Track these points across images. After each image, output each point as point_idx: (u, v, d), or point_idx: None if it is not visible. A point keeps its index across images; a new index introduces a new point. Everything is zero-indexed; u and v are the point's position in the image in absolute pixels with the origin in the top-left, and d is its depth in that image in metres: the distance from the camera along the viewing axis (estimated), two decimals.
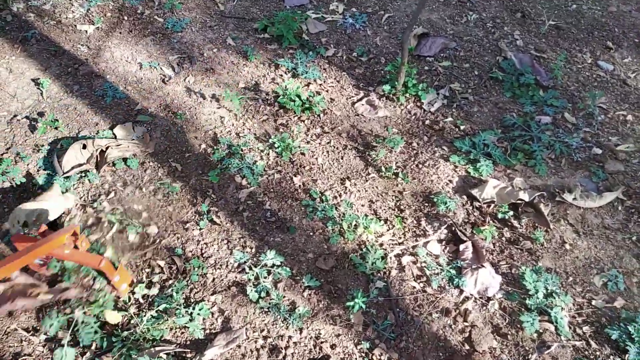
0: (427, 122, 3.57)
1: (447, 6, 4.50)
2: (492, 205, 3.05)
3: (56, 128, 3.15)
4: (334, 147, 3.35)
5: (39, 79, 3.42)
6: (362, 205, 3.03)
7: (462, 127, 3.52)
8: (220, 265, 2.69)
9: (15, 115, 3.21)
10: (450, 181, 3.19)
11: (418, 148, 3.39)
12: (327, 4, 4.44)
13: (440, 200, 3.01)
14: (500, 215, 2.99)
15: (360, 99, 3.70)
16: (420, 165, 3.27)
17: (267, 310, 2.53)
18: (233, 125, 3.38)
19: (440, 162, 3.30)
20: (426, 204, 3.06)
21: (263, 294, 2.56)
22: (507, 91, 3.77)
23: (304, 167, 3.20)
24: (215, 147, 3.22)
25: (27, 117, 3.21)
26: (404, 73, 3.58)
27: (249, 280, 2.63)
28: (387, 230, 2.91)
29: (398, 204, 3.06)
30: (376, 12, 4.42)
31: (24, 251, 2.07)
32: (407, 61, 3.45)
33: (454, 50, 4.10)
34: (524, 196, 3.01)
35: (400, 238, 2.88)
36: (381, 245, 2.83)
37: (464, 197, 3.12)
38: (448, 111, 3.64)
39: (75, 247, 2.22)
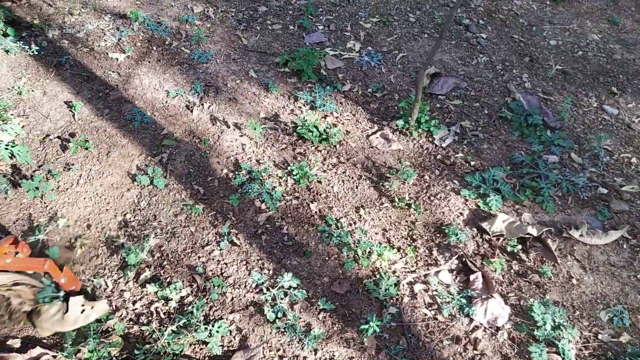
0: (439, 156, 3.72)
1: (458, 48, 4.73)
2: (502, 238, 3.17)
3: (86, 149, 3.31)
4: (349, 176, 3.49)
5: (71, 101, 3.61)
6: (376, 234, 3.14)
7: (472, 163, 3.67)
8: (239, 285, 2.80)
9: (47, 135, 3.38)
10: (461, 214, 3.31)
11: (430, 181, 3.52)
12: (345, 42, 4.67)
13: (451, 232, 3.13)
14: (509, 249, 3.10)
15: (375, 132, 3.86)
16: (432, 198, 3.40)
17: (283, 330, 2.61)
18: (254, 152, 3.54)
19: (452, 195, 3.43)
20: (438, 235, 3.18)
21: (280, 315, 2.65)
22: (516, 130, 3.93)
23: (321, 194, 3.34)
24: (236, 173, 3.37)
25: (59, 137, 3.38)
26: (418, 109, 3.76)
27: (267, 300, 2.72)
28: (400, 258, 3.01)
29: (411, 233, 3.17)
30: (391, 51, 4.65)
31: None
32: (420, 98, 3.63)
33: (464, 89, 4.30)
34: (532, 231, 3.12)
35: (412, 266, 2.99)
36: (394, 272, 2.93)
37: (474, 229, 3.23)
38: (459, 147, 3.80)
39: (16, 254, 2.24)
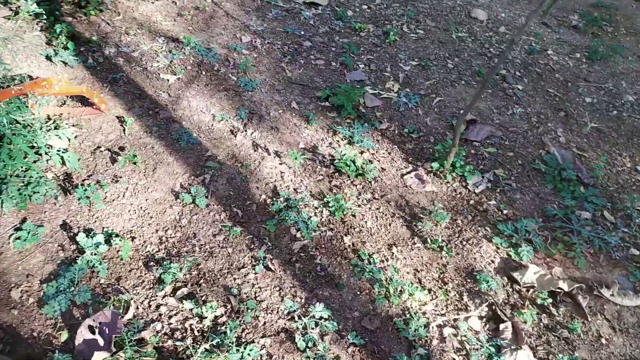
0: (472, 202, 3.77)
1: (494, 97, 4.84)
2: (532, 290, 3.18)
3: (134, 163, 3.44)
4: (383, 213, 3.56)
5: (123, 117, 3.77)
6: (408, 273, 3.19)
7: (504, 211, 3.72)
8: (272, 310, 2.85)
9: (98, 147, 3.53)
10: (492, 261, 3.34)
11: (462, 225, 3.57)
12: (384, 82, 4.82)
13: (482, 279, 3.16)
14: (539, 301, 3.11)
15: (409, 172, 3.94)
16: (464, 242, 3.45)
17: None
18: (292, 181, 3.64)
19: (483, 241, 3.47)
20: (468, 280, 3.21)
21: (310, 344, 2.69)
22: (549, 183, 3.98)
23: (354, 228, 3.40)
24: (274, 199, 3.46)
25: (109, 150, 3.52)
26: (454, 154, 3.84)
27: (297, 328, 2.77)
28: (431, 300, 3.04)
29: (442, 276, 3.21)
30: (428, 94, 4.78)
31: (22, 86, 3.05)
32: (457, 144, 3.72)
33: (499, 138, 4.38)
34: (564, 286, 3.13)
35: (442, 309, 3.01)
36: (424, 313, 2.96)
37: (505, 278, 3.26)
38: (492, 194, 3.85)
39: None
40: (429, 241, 3.38)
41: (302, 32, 5.23)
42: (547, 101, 4.92)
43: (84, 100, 3.75)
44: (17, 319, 2.64)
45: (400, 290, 3.03)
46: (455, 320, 2.96)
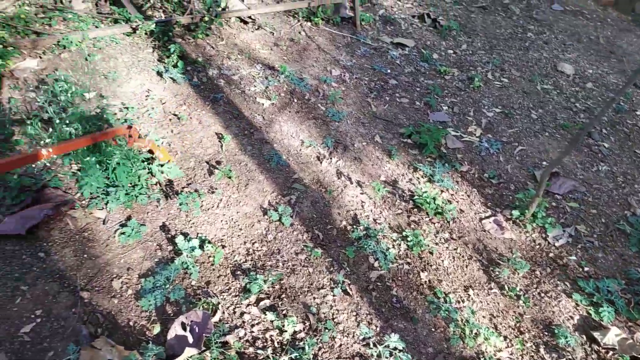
0: (551, 255, 3.73)
1: (579, 152, 4.78)
2: (613, 352, 3.08)
3: (229, 177, 3.68)
4: (460, 254, 3.58)
5: (221, 134, 4.05)
6: (483, 317, 3.18)
7: (585, 269, 3.64)
8: (348, 334, 2.93)
9: (198, 159, 3.81)
10: (571, 317, 3.27)
11: (541, 277, 3.53)
12: (466, 125, 4.89)
13: (560, 334, 3.10)
14: None
15: (488, 217, 3.96)
16: (542, 294, 3.40)
17: None
18: (372, 211, 3.75)
19: (562, 296, 3.41)
20: (546, 333, 3.15)
21: None
22: (634, 246, 3.87)
23: (431, 265, 3.45)
24: (354, 226, 3.58)
25: (207, 162, 3.79)
26: (536, 204, 3.82)
27: (372, 355, 2.82)
28: (506, 347, 3.02)
29: (518, 325, 3.18)
30: (510, 142, 4.79)
31: (89, 135, 3.06)
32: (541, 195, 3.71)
33: (582, 194, 4.31)
34: None
35: (517, 358, 2.98)
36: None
37: (584, 336, 3.18)
38: (572, 250, 3.79)
39: (130, 136, 3.20)
40: (506, 288, 3.37)
41: (389, 71, 5.43)
42: (635, 162, 4.81)
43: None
44: (116, 308, 2.87)
45: (476, 333, 3.02)
46: None
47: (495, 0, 7.51)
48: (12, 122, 3.70)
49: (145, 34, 4.76)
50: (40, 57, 4.39)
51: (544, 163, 4.59)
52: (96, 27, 4.72)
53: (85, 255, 3.04)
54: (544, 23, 7.12)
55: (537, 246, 3.77)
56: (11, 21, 4.44)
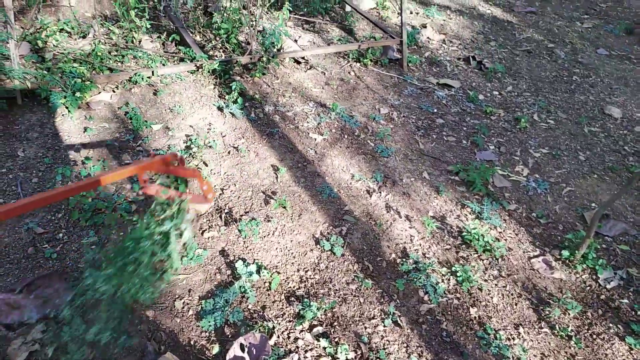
0: (603, 297, 3.70)
1: (629, 195, 4.75)
2: None
3: (284, 207, 3.87)
4: (509, 292, 3.61)
5: (276, 166, 4.27)
6: (534, 356, 3.18)
7: (639, 312, 3.59)
8: None
9: (255, 189, 4.02)
10: None
11: (592, 319, 3.50)
12: (513, 165, 4.95)
13: None
14: None
15: (537, 256, 3.97)
16: (594, 336, 3.37)
17: None
18: (420, 245, 3.84)
19: (615, 339, 3.36)
20: None
21: None
22: None
23: (480, 301, 3.49)
24: (403, 260, 3.67)
25: (263, 192, 4.00)
26: (586, 246, 3.83)
27: None
28: None
29: None
30: (558, 183, 4.82)
31: (136, 163, 2.87)
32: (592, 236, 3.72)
33: (633, 237, 4.27)
34: None
35: None
36: None
37: None
38: (624, 293, 3.74)
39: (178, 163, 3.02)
40: (557, 328, 3.36)
41: (435, 110, 5.59)
42: None
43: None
44: (178, 327, 3.04)
45: None
46: None
47: (540, 44, 7.64)
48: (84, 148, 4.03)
49: (208, 72, 5.11)
50: (114, 91, 4.78)
51: (593, 205, 4.59)
52: (163, 65, 5.11)
53: None
54: (589, 67, 7.18)
55: (588, 287, 3.75)
56: (88, 58, 4.88)
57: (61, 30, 5.22)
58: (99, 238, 3.44)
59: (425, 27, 7.34)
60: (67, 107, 4.34)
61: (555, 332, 3.34)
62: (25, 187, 3.71)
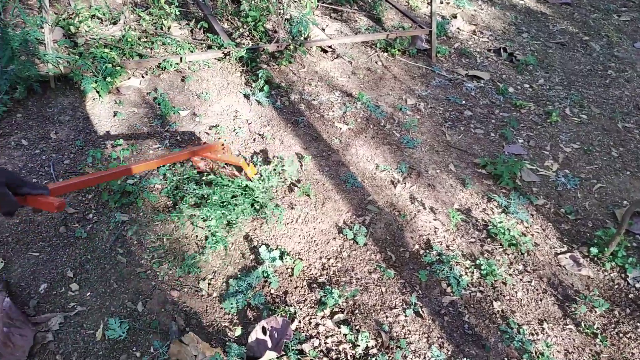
0: (631, 295, 3.60)
1: None
2: None
3: (307, 195, 3.88)
4: (534, 287, 3.55)
5: (301, 154, 4.28)
6: (558, 352, 3.13)
7: None
8: (419, 354, 2.98)
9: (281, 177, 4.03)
10: None
11: (619, 317, 3.42)
12: (542, 159, 4.85)
13: None
14: None
15: (564, 253, 3.89)
16: (620, 335, 3.29)
17: None
18: (444, 237, 3.80)
19: None
20: None
21: None
22: None
23: (504, 295, 3.44)
24: (426, 251, 3.64)
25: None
26: (616, 243, 3.73)
27: None
28: None
29: None
30: (589, 179, 4.70)
31: (189, 149, 3.43)
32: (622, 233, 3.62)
33: None
34: None
35: None
36: None
37: None
38: None
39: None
40: (583, 325, 3.29)
41: (463, 102, 5.50)
42: None
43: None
44: (202, 308, 3.09)
45: None
46: None
47: (574, 37, 7.43)
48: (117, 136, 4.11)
49: (235, 59, 5.14)
50: (143, 77, 4.85)
51: (625, 202, 4.46)
52: (191, 51, 5.15)
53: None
54: (625, 61, 6.95)
55: (616, 286, 3.66)
56: (119, 44, 4.96)
57: (93, 16, 5.31)
58: (129, 218, 3.52)
59: (455, 17, 7.21)
60: (98, 92, 4.42)
61: (581, 329, 3.28)
62: (58, 168, 3.81)
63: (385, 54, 6.09)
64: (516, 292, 3.49)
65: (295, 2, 6.23)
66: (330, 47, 5.85)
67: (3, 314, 2.79)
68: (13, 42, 3.98)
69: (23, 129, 4.10)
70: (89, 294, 3.07)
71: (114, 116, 4.38)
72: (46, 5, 4.12)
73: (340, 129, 4.73)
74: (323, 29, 6.13)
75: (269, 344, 2.84)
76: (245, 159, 3.97)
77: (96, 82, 4.40)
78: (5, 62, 4.00)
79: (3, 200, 1.47)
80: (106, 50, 4.70)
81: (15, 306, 2.87)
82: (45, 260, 3.20)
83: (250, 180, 3.73)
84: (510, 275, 3.59)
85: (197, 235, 3.48)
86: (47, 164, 3.83)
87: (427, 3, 7.40)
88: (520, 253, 3.78)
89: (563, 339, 3.21)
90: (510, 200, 4.21)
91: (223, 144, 3.63)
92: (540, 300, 3.46)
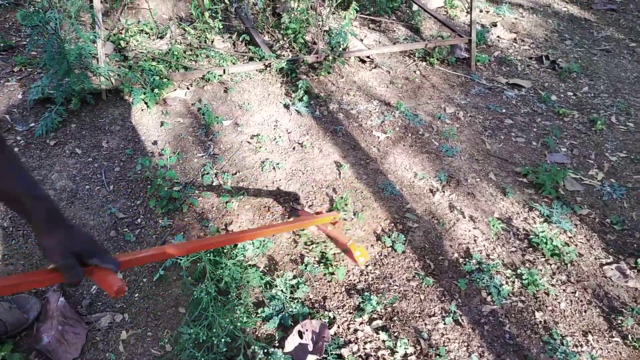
0: None
1: None
2: None
3: (346, 204, 3.93)
4: (579, 299, 3.46)
5: (339, 162, 4.35)
6: None
7: None
8: None
9: (317, 184, 4.11)
10: None
11: None
12: (587, 168, 4.73)
13: None
14: None
15: (610, 264, 3.78)
16: None
17: None
18: (484, 246, 3.77)
19: None
20: None
21: None
22: None
23: (547, 306, 3.37)
24: (466, 260, 3.62)
25: (326, 188, 4.08)
26: None
27: None
28: None
29: None
30: (636, 189, 4.55)
31: (302, 219, 3.32)
32: None
33: None
34: None
35: None
36: None
37: None
38: None
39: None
40: (630, 338, 3.19)
41: (504, 110, 5.45)
42: None
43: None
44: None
45: None
46: None
47: (620, 43, 7.23)
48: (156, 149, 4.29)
49: (276, 70, 5.28)
50: (188, 88, 5.06)
51: None
52: (234, 63, 5.33)
53: None
54: None
55: None
56: (165, 57, 5.19)
57: (141, 31, 5.58)
58: (172, 223, 3.67)
59: (495, 25, 7.16)
60: (146, 103, 4.64)
61: (628, 342, 3.18)
62: (109, 175, 4.02)
63: (424, 63, 6.11)
64: (559, 302, 3.42)
65: (335, 14, 6.35)
66: (368, 57, 5.92)
67: (58, 312, 2.96)
68: (69, 56, 4.24)
69: (77, 138, 4.34)
70: (137, 295, 3.22)
71: (160, 126, 4.58)
72: (99, 21, 4.38)
73: (378, 137, 4.78)
74: (361, 40, 6.22)
75: (310, 347, 2.89)
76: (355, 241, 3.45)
77: (144, 93, 4.61)
78: (62, 76, 4.27)
79: (69, 271, 1.38)
80: (154, 63, 4.93)
81: (70, 305, 3.04)
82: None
83: (357, 264, 3.33)
84: (552, 285, 3.53)
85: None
86: (99, 172, 4.05)
87: (467, 12, 7.38)
88: (563, 263, 3.70)
89: (609, 352, 3.12)
90: (552, 209, 4.13)
91: (335, 218, 3.29)
92: (585, 311, 3.38)
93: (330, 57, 5.38)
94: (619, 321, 3.31)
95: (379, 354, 2.97)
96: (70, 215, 3.67)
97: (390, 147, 4.69)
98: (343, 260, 3.53)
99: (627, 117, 5.57)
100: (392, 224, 3.89)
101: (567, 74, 6.27)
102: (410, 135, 4.89)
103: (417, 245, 3.74)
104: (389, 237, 3.73)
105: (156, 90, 4.70)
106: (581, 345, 3.13)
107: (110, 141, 4.40)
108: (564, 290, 3.51)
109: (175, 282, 3.31)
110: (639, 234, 4.08)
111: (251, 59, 5.52)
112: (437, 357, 2.96)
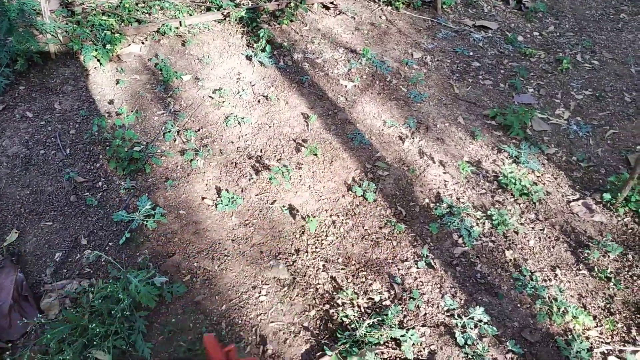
0: None
1: None
2: None
3: (315, 155, 3.85)
4: (547, 235, 3.53)
5: (307, 114, 4.23)
6: (571, 296, 3.13)
7: None
8: (432, 304, 3.01)
9: (286, 137, 4.00)
10: None
11: (633, 261, 3.41)
12: (554, 108, 4.74)
13: None
14: None
15: (576, 200, 3.85)
16: (634, 277, 3.29)
17: (471, 357, 2.74)
18: (455, 190, 3.77)
19: None
20: (638, 316, 3.05)
21: (469, 342, 2.79)
22: None
23: (516, 244, 3.43)
24: (437, 204, 3.62)
25: (294, 140, 3.98)
26: (629, 188, 3.67)
27: (457, 325, 2.89)
28: (595, 326, 2.97)
29: (608, 306, 3.10)
30: (601, 125, 4.60)
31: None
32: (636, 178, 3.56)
33: None
34: None
35: (607, 338, 2.92)
36: (587, 338, 2.90)
37: None
38: None
39: None
40: (596, 270, 3.29)
41: (471, 53, 5.36)
42: None
43: None
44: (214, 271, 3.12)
45: (564, 311, 2.99)
46: (621, 351, 2.85)
47: None
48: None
49: (235, 20, 5.03)
50: (143, 43, 4.78)
51: (638, 147, 4.38)
52: (190, 14, 5.05)
53: (190, 227, 3.33)
54: (639, 4, 6.69)
55: (630, 230, 3.63)
56: (116, 10, 4.87)
57: None
58: (136, 184, 3.53)
59: None
60: (98, 60, 4.37)
61: (594, 274, 3.27)
62: (64, 139, 3.82)
63: (389, 7, 5.92)
64: (528, 240, 3.47)
65: None
66: (332, 3, 5.70)
67: (14, 286, 2.81)
68: (10, 13, 3.92)
69: (27, 100, 4.08)
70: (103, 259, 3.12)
71: (116, 84, 4.34)
72: None
73: (346, 86, 4.66)
74: None
75: None
76: None
77: (96, 50, 4.34)
78: (4, 34, 3.95)
79: None
80: (104, 17, 4.62)
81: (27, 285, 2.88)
82: (59, 229, 3.24)
83: None
84: (522, 224, 3.57)
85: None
86: (54, 135, 3.84)
87: None
88: (531, 202, 3.75)
89: (576, 284, 3.21)
90: (520, 150, 4.15)
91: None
92: (553, 247, 3.45)
93: (293, 4, 5.15)
94: (586, 254, 3.39)
95: (355, 302, 2.98)
96: (26, 182, 3.49)
97: (358, 95, 4.58)
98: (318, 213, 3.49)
99: (592, 55, 5.57)
100: (363, 174, 3.84)
101: (533, 13, 6.19)
102: (377, 82, 4.78)
103: (388, 193, 3.71)
104: (359, 186, 3.69)
105: (109, 46, 4.43)
106: (550, 280, 3.21)
107: (63, 102, 4.16)
108: (532, 228, 3.57)
109: (143, 244, 3.22)
110: (604, 170, 4.15)
111: (209, 9, 5.24)
112: (411, 300, 2.99)
